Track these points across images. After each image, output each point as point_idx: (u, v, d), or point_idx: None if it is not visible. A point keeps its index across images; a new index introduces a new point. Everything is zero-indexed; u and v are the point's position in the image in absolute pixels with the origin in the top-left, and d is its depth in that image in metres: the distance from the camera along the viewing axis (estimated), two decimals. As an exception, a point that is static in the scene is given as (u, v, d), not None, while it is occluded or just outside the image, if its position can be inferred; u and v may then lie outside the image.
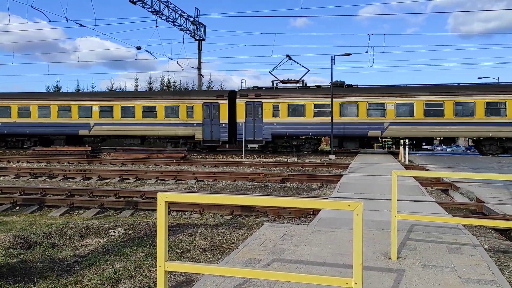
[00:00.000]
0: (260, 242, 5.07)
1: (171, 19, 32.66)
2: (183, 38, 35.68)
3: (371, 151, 31.91)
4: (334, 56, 24.50)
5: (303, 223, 7.18)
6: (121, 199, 9.82)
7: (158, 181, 13.75)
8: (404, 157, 20.38)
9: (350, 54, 24.46)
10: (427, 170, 15.78)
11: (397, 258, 4.40)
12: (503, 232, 6.62)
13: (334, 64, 24.66)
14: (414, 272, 4.02)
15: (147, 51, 38.11)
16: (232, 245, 5.34)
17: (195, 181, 13.58)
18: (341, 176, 13.10)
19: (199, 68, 37.72)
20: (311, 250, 4.74)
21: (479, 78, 55.18)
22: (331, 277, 2.57)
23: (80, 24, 31.56)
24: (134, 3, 28.69)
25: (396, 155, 24.30)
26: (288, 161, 21.63)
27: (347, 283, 2.43)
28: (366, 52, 32.95)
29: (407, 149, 20.49)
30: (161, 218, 2.78)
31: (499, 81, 36.51)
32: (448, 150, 56.32)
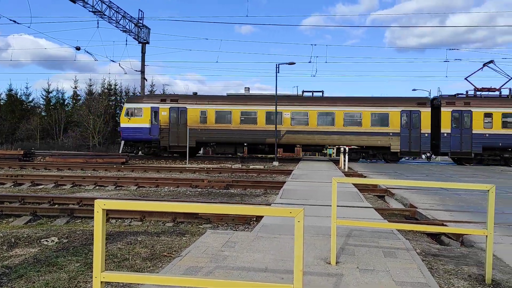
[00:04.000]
0: (202, 250, 5.01)
1: (114, 20, 31.69)
2: (126, 40, 34.88)
3: (313, 158, 32.72)
4: (279, 64, 24.94)
5: (246, 230, 7.19)
6: (56, 206, 9.32)
7: (97, 187, 13.21)
8: (344, 164, 21.09)
9: (294, 63, 25.05)
10: (365, 177, 16.43)
11: (336, 263, 4.52)
12: (434, 236, 7.02)
13: (278, 72, 25.07)
14: (352, 276, 4.14)
15: (87, 51, 36.83)
16: (173, 253, 5.23)
17: (136, 187, 13.19)
18: (284, 182, 13.29)
19: (142, 71, 36.87)
20: (254, 257, 4.75)
21: (413, 90, 58.53)
22: (272, 284, 2.58)
23: (14, 21, 29.80)
24: (74, 2, 27.51)
25: (337, 162, 25.08)
26: (233, 167, 21.64)
27: (287, 290, 2.45)
28: (310, 62, 33.89)
29: (347, 156, 21.22)
30: (98, 226, 2.66)
31: (431, 94, 38.97)
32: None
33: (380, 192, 12.33)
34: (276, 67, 24.65)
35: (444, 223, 7.08)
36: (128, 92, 59.48)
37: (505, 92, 27.12)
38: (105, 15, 30.64)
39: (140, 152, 29.24)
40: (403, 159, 29.33)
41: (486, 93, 27.17)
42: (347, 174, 17.85)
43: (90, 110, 48.41)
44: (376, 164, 25.82)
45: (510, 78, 27.41)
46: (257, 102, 27.87)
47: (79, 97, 58.02)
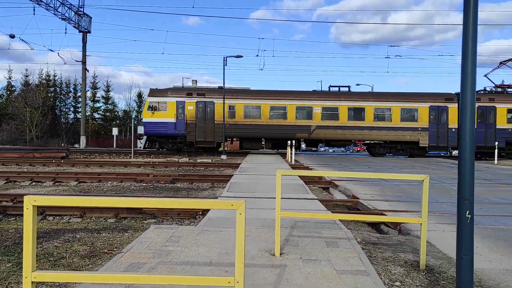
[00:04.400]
0: (145, 245, 4.88)
1: (51, 7, 30.09)
2: (66, 29, 33.16)
3: (261, 152, 32.96)
4: (226, 57, 24.82)
5: (192, 224, 7.10)
6: (-13, 203, 8.70)
7: (33, 183, 12.52)
8: (291, 157, 21.43)
9: (241, 56, 25.02)
10: (311, 169, 16.79)
11: (281, 254, 4.57)
12: (374, 225, 7.29)
13: (226, 65, 24.96)
14: (295, 267, 4.21)
15: (22, 40, 34.63)
16: (115, 249, 5.06)
17: (76, 182, 12.64)
18: (232, 175, 13.29)
19: (83, 62, 35.34)
20: (198, 251, 4.70)
21: (357, 85, 60.54)
22: (214, 277, 2.55)
23: None
24: (8, -15, 25.76)
25: (284, 155, 25.44)
26: (180, 161, 21.32)
27: (229, 282, 2.44)
28: (257, 55, 33.98)
29: (293, 149, 21.57)
30: (28, 224, 2.49)
31: (373, 90, 40.41)
32: (330, 150, 60.70)
33: (325, 184, 12.64)
34: (224, 60, 24.53)
35: (384, 213, 7.38)
36: (69, 83, 56.86)
37: None
38: (42, 1, 28.99)
39: (159, 148, 27.67)
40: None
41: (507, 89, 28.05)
42: (293, 167, 18.15)
43: (27, 102, 45.73)
44: (323, 157, 26.49)
45: None
46: (287, 96, 27.36)
47: (14, 88, 54.61)
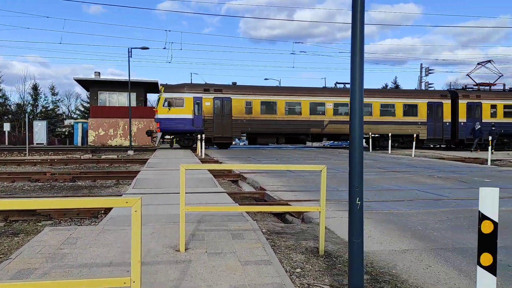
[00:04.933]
0: (37, 249, 4.51)
1: None
2: None
3: (170, 146, 32.34)
4: (131, 48, 23.86)
5: (93, 224, 6.72)
6: None
7: None
8: (201, 152, 21.31)
9: (147, 48, 24.26)
10: (220, 163, 16.85)
11: (186, 249, 4.51)
12: (279, 215, 7.53)
13: (131, 57, 23.99)
14: (200, 261, 4.18)
15: None
16: (1, 256, 4.60)
17: (-41, 184, 11.29)
18: (138, 172, 12.85)
19: (-32, 50, 31.55)
20: (98, 252, 4.46)
21: (265, 79, 62.00)
22: (108, 278, 2.42)
23: None
24: None
25: (195, 149, 25.22)
26: (82, 157, 20.10)
27: (124, 283, 2.33)
28: (164, 48, 33.12)
29: (203, 143, 21.47)
30: None
31: (280, 84, 41.71)
32: (241, 144, 61.54)
33: (234, 177, 12.77)
34: (129, 52, 23.56)
35: (288, 203, 7.65)
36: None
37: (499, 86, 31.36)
38: None
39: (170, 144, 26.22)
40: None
41: (487, 87, 30.64)
42: (203, 161, 18.08)
43: None
44: (234, 151, 26.71)
45: (501, 75, 31.85)
46: (301, 93, 27.94)
47: None
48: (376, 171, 13.89)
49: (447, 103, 29.85)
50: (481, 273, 2.11)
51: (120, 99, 38.09)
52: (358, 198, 3.10)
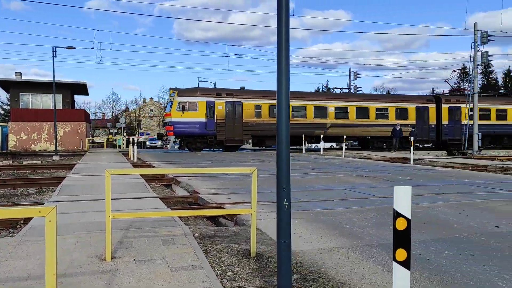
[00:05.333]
0: None
1: None
2: None
3: (101, 151, 31.06)
4: (56, 48, 22.60)
5: (10, 235, 6.24)
6: None
7: None
8: (133, 155, 20.66)
9: (74, 48, 23.09)
10: (153, 167, 16.44)
11: (112, 258, 4.32)
12: (213, 219, 7.47)
13: (56, 56, 22.73)
14: (128, 269, 4.02)
15: None
16: None
17: None
18: (64, 178, 12.16)
19: None
20: (15, 265, 4.14)
21: (200, 81, 61.51)
22: (19, 295, 2.24)
23: None
24: None
25: (126, 153, 24.40)
26: (0, 164, 18.66)
27: (38, 298, 2.17)
28: (93, 48, 31.70)
29: (135, 147, 20.83)
30: None
31: (216, 86, 41.62)
32: (176, 147, 60.48)
33: (167, 181, 12.50)
34: (53, 51, 22.26)
35: (222, 206, 7.62)
36: None
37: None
38: None
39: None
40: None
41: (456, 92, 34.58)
42: (135, 165, 17.52)
43: None
44: (170, 155, 26.18)
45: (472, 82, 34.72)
46: (306, 97, 29.70)
47: None
48: (309, 172, 14.27)
49: (432, 107, 32.63)
50: (397, 268, 2.22)
51: (45, 101, 35.93)
52: (285, 200, 3.15)
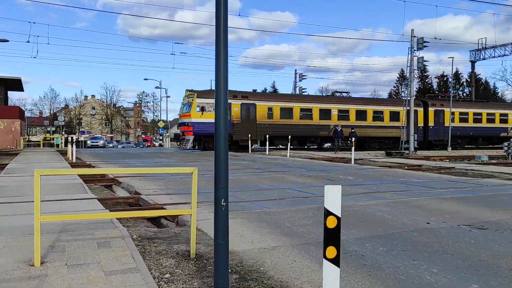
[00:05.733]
0: None
1: None
2: None
3: (36, 150, 29.49)
4: (-12, 40, 21.16)
5: None
6: None
7: None
8: (72, 155, 19.77)
9: (7, 41, 21.70)
10: (93, 167, 15.81)
11: (42, 263, 4.08)
12: (154, 220, 7.29)
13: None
14: (58, 275, 3.82)
15: None
16: None
17: None
18: (-6, 178, 11.38)
19: None
20: None
21: (145, 79, 60.15)
22: None
23: None
24: None
25: (65, 153, 23.30)
26: None
27: None
28: (28, 41, 29.90)
29: (74, 146, 19.94)
30: None
31: (161, 85, 40.81)
32: (119, 146, 58.84)
33: (108, 181, 12.06)
34: (-16, 43, 20.79)
35: (164, 206, 7.47)
36: None
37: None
38: None
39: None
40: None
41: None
42: (74, 165, 16.77)
43: None
44: (111, 154, 25.30)
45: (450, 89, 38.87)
46: (312, 100, 32.43)
47: None
48: (253, 171, 14.35)
49: (420, 110, 34.97)
50: (327, 265, 2.27)
51: (-26, 96, 33.52)
52: (223, 200, 3.12)
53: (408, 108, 30.51)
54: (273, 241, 5.31)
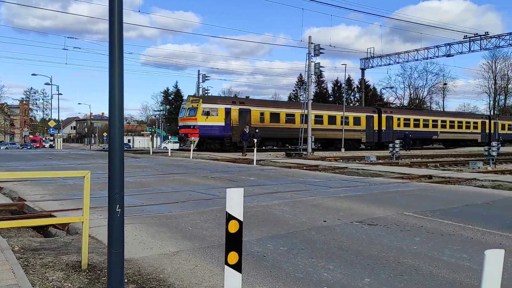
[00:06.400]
0: None
1: None
2: None
3: None
4: None
5: None
6: None
7: None
8: None
9: None
10: (-31, 171, 13.99)
11: None
12: (41, 229, 6.62)
13: None
14: None
15: None
16: None
17: None
18: None
19: None
20: None
21: (32, 75, 55.03)
22: None
23: None
24: None
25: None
26: None
27: None
28: None
29: None
30: None
31: (52, 81, 37.79)
32: (2, 148, 53.21)
33: (-14, 187, 10.72)
34: None
35: (52, 214, 6.82)
36: None
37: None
38: None
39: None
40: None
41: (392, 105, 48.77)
42: None
43: None
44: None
45: (397, 97, 45.11)
46: (295, 106, 37.16)
47: None
48: (155, 174, 13.88)
49: (375, 116, 41.06)
50: (228, 271, 2.19)
51: None
52: (118, 205, 2.89)
53: (306, 111, 32.50)
54: (174, 246, 5.11)
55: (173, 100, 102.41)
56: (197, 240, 5.37)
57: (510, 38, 42.03)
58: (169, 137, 60.33)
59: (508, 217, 7.08)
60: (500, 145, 23.16)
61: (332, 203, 8.29)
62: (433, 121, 46.50)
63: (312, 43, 31.28)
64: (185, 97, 40.93)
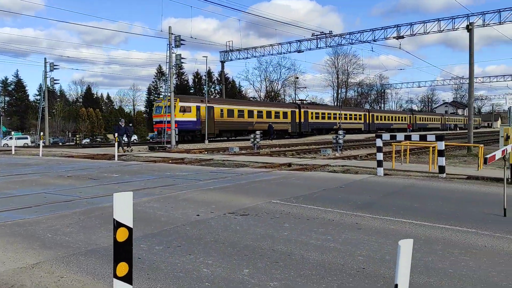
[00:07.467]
0: None
1: None
2: None
3: None
4: None
5: None
6: None
7: None
8: None
9: None
10: None
11: None
12: None
13: None
14: None
15: None
16: None
17: None
18: None
19: None
20: None
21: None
22: None
23: None
24: None
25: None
26: None
27: None
28: None
29: None
30: None
31: None
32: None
33: None
34: None
35: None
36: None
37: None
38: None
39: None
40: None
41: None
42: None
43: None
44: None
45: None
46: (244, 104, 49.17)
47: None
48: (-3, 175, 12.11)
49: (297, 111, 51.56)
50: (118, 284, 1.98)
51: None
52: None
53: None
54: (32, 257, 4.51)
55: (13, 91, 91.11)
56: (59, 248, 4.83)
57: (350, 37, 47.40)
58: (12, 132, 53.47)
59: (359, 199, 7.98)
60: (345, 133, 26.58)
61: (203, 196, 8.29)
62: (334, 114, 59.60)
63: (172, 33, 30.77)
64: (28, 87, 42.02)
